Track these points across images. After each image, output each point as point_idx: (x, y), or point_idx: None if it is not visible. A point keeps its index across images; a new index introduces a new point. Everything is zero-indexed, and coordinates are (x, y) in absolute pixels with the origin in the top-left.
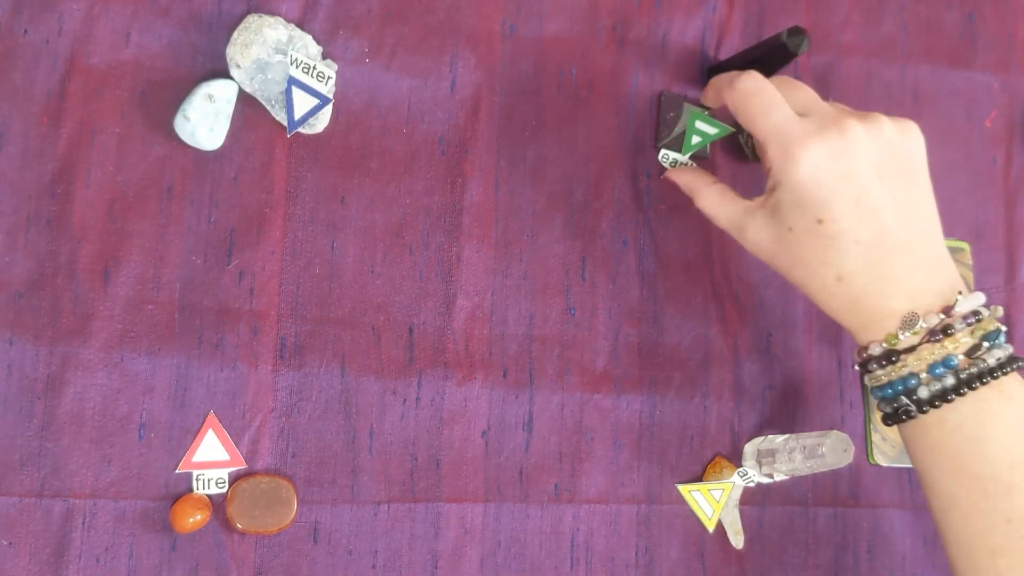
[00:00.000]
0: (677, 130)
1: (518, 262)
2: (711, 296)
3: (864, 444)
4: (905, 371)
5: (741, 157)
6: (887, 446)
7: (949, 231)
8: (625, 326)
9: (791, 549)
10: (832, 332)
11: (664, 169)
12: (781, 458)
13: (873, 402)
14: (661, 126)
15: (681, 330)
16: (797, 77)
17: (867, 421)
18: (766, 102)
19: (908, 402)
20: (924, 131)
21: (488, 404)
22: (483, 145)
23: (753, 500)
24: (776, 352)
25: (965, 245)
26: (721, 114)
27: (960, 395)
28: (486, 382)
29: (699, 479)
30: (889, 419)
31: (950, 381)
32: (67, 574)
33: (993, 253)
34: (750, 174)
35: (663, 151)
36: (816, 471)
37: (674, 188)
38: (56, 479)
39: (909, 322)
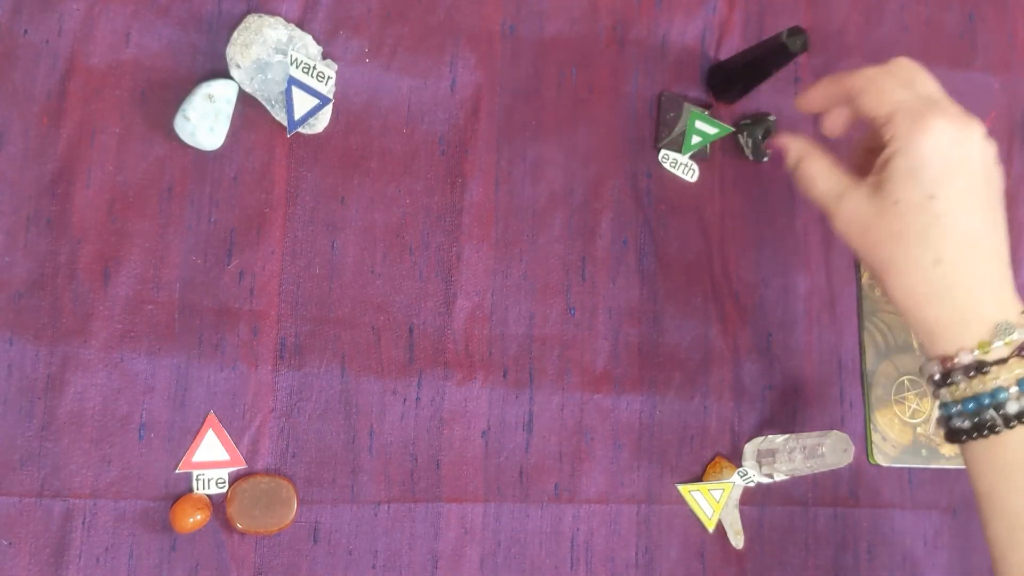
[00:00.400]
0: (677, 130)
1: (518, 262)
2: (711, 296)
3: (864, 444)
4: (994, 384)
5: (741, 157)
6: (887, 446)
7: None
8: (625, 326)
9: (791, 549)
10: (832, 332)
11: (661, 169)
12: (781, 458)
13: (873, 402)
14: (661, 126)
15: (681, 330)
16: (797, 78)
17: (867, 421)
18: (901, 79)
19: (996, 416)
20: None
21: (488, 404)
22: (483, 145)
23: (753, 500)
24: (776, 352)
25: None
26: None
27: None
28: (486, 382)
29: (699, 479)
30: (962, 435)
31: None
32: (67, 574)
33: None
34: (750, 174)
35: (663, 151)
36: (816, 471)
37: (674, 188)
38: (56, 479)
39: (1004, 331)
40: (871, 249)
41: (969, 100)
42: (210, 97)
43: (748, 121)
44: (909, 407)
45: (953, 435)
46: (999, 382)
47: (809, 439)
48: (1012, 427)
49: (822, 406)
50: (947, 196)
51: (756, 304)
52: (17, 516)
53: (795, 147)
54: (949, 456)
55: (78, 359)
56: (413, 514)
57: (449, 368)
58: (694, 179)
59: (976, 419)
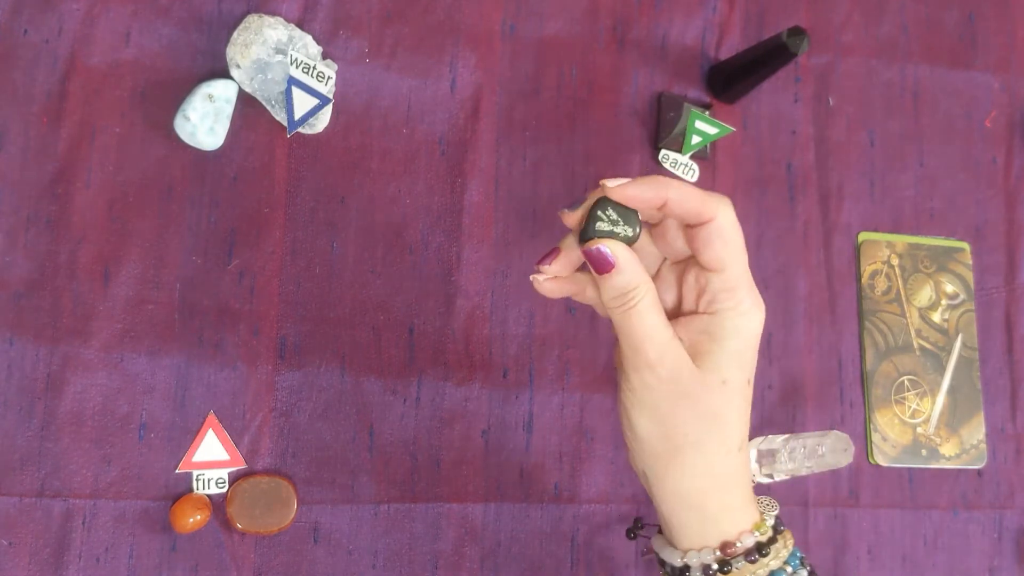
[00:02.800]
0: (677, 130)
1: (518, 262)
2: None
3: (864, 444)
4: (775, 564)
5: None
6: (887, 446)
7: (949, 231)
8: None
9: None
10: (832, 332)
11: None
12: (781, 458)
13: (873, 402)
14: (661, 126)
15: None
16: (797, 78)
17: (867, 421)
18: (740, 239)
19: None
20: (924, 131)
21: (488, 404)
22: (483, 145)
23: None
24: (776, 352)
25: (965, 245)
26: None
27: None
28: (486, 382)
29: None
30: None
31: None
32: (67, 574)
33: (993, 253)
34: (751, 174)
35: (663, 151)
36: (816, 471)
37: None
38: (56, 479)
39: (768, 506)
40: (679, 422)
41: (969, 100)
42: (210, 97)
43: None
44: (909, 407)
45: None
46: (775, 563)
47: (809, 439)
48: None
49: (822, 406)
50: (751, 384)
51: None
52: (17, 516)
53: (633, 267)
54: (949, 456)
55: (78, 359)
56: (413, 514)
57: (449, 368)
58: (694, 179)
59: None
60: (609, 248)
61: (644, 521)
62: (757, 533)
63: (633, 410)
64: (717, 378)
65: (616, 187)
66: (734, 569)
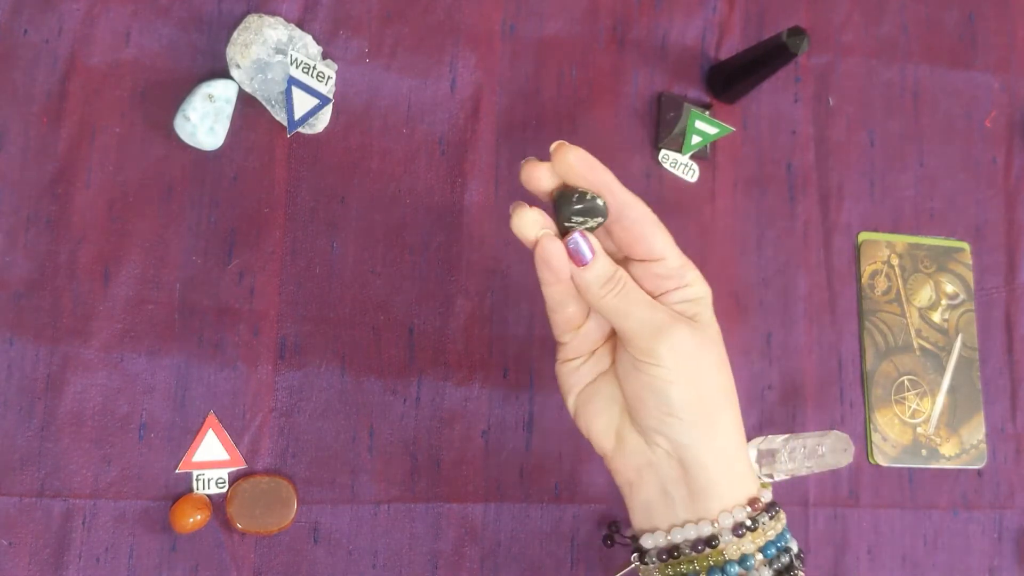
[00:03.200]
0: (677, 130)
1: (518, 262)
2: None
3: (864, 444)
4: (773, 533)
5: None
6: (887, 446)
7: (949, 231)
8: None
9: None
10: (832, 332)
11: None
12: (781, 458)
13: (873, 402)
14: (661, 126)
15: None
16: (797, 78)
17: (867, 421)
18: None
19: (793, 559)
20: (924, 131)
21: (488, 404)
22: (483, 145)
23: None
24: (776, 352)
25: (965, 245)
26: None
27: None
28: (486, 382)
29: None
30: None
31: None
32: (67, 574)
33: (993, 253)
34: (751, 174)
35: (663, 151)
36: (816, 471)
37: (674, 188)
38: (56, 479)
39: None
40: (705, 378)
41: (969, 100)
42: (210, 97)
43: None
44: (909, 407)
45: None
46: (783, 522)
47: (809, 439)
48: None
49: (822, 406)
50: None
51: (756, 304)
52: (17, 516)
53: (608, 261)
54: (949, 456)
55: (78, 359)
56: (413, 514)
57: (449, 368)
58: (694, 179)
59: (775, 566)
60: (584, 241)
61: (617, 524)
62: (767, 492)
63: (668, 386)
64: (710, 334)
65: (584, 164)
66: (760, 525)
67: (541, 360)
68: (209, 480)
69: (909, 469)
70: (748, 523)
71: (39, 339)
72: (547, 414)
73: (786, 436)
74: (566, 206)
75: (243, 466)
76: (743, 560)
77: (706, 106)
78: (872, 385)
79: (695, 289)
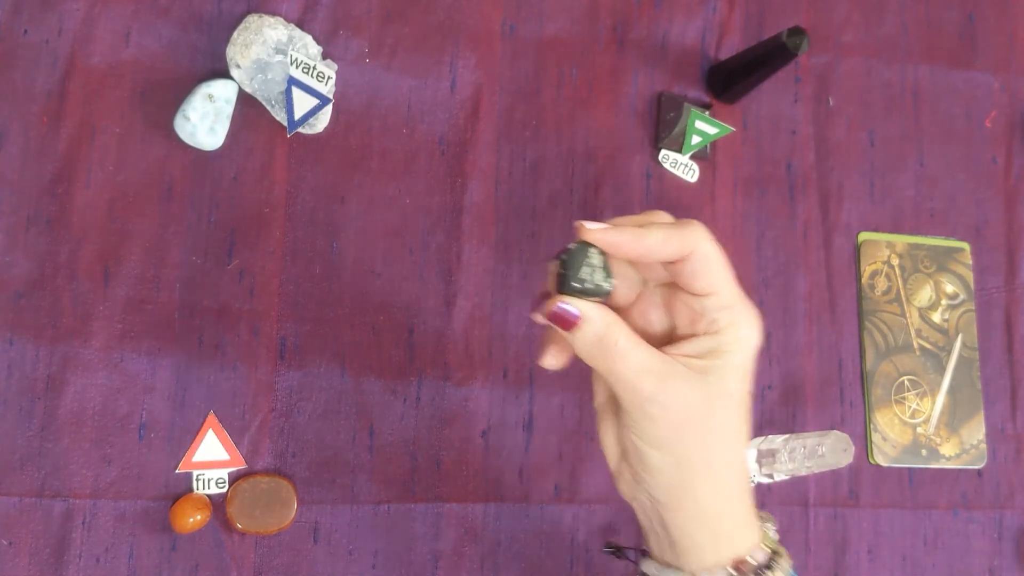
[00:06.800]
0: (677, 130)
1: (518, 262)
2: None
3: (864, 444)
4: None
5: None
6: (887, 446)
7: (949, 231)
8: None
9: (791, 549)
10: (832, 332)
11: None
12: (781, 458)
13: (873, 402)
14: (661, 126)
15: None
16: (797, 78)
17: (867, 421)
18: (724, 263)
19: None
20: (924, 131)
21: (488, 404)
22: (483, 145)
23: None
24: (776, 352)
25: (965, 245)
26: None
27: None
28: (486, 382)
29: None
30: None
31: None
32: (67, 574)
33: (993, 253)
34: (751, 174)
35: (663, 151)
36: (816, 471)
37: (674, 188)
38: (56, 479)
39: (765, 519)
40: (689, 447)
41: (969, 100)
42: (210, 97)
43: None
44: (909, 407)
45: None
46: (786, 570)
47: (809, 439)
48: None
49: (822, 406)
50: (751, 394)
51: (756, 304)
52: (17, 516)
53: (598, 313)
54: (949, 456)
55: (78, 359)
56: (413, 514)
57: (449, 368)
58: (694, 179)
59: None
60: (568, 304)
61: (617, 543)
62: (764, 546)
63: (643, 446)
64: (722, 391)
65: (594, 230)
66: None
67: None
68: (209, 480)
69: (909, 469)
70: None
71: (39, 339)
72: (547, 414)
73: (786, 436)
74: (569, 267)
75: (243, 466)
76: None
77: (706, 106)
78: (872, 385)
79: (725, 339)
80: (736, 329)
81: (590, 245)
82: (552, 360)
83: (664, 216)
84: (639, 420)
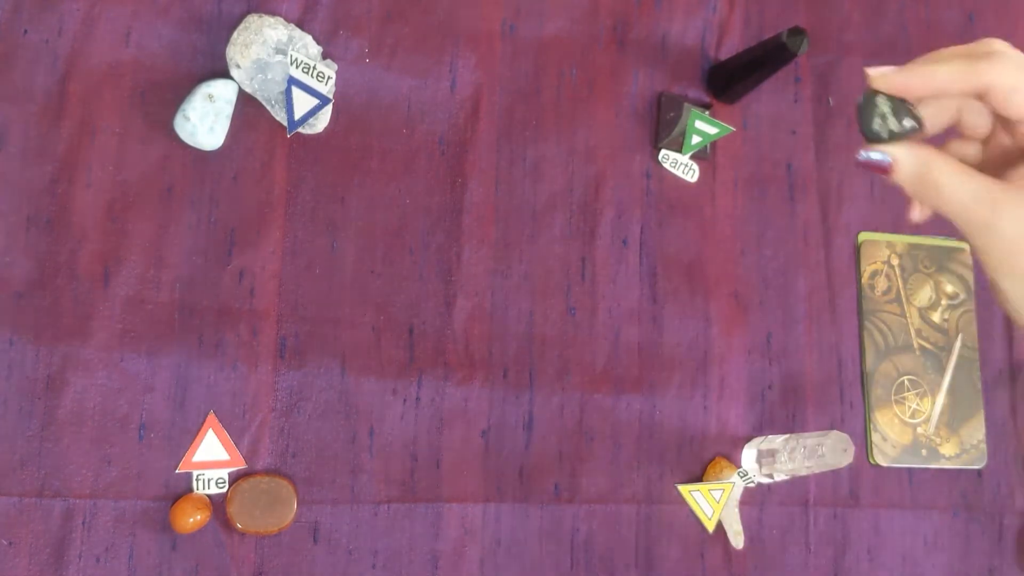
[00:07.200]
0: (677, 130)
1: (518, 262)
2: (711, 296)
3: (864, 444)
4: None
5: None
6: (887, 446)
7: (949, 231)
8: (625, 326)
9: (791, 549)
10: (832, 332)
11: (662, 167)
12: (781, 458)
13: (873, 402)
14: (661, 126)
15: (681, 330)
16: (797, 78)
17: (867, 421)
18: None
19: None
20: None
21: (488, 404)
22: (483, 145)
23: (753, 500)
24: (776, 352)
25: (965, 245)
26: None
27: None
28: (486, 382)
29: (699, 479)
30: None
31: None
32: (67, 574)
33: None
34: (751, 174)
35: (663, 151)
36: (816, 471)
37: (674, 188)
38: (56, 479)
39: None
40: None
41: None
42: (210, 97)
43: None
44: (909, 407)
45: None
46: None
47: (809, 439)
48: None
49: (822, 406)
50: None
51: (756, 304)
52: (17, 516)
53: (908, 154)
54: (949, 456)
55: (78, 359)
56: (413, 514)
57: (449, 368)
58: (694, 179)
59: None
60: (873, 152)
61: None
62: None
63: (996, 277)
64: None
65: (879, 76)
66: None
67: (541, 360)
68: (209, 480)
69: (909, 469)
70: None
71: (39, 339)
72: (547, 414)
73: (786, 436)
74: (866, 114)
75: (243, 466)
76: None
77: (706, 106)
78: (872, 385)
79: None
80: None
81: (877, 93)
82: (917, 214)
83: (959, 49)
84: (983, 251)
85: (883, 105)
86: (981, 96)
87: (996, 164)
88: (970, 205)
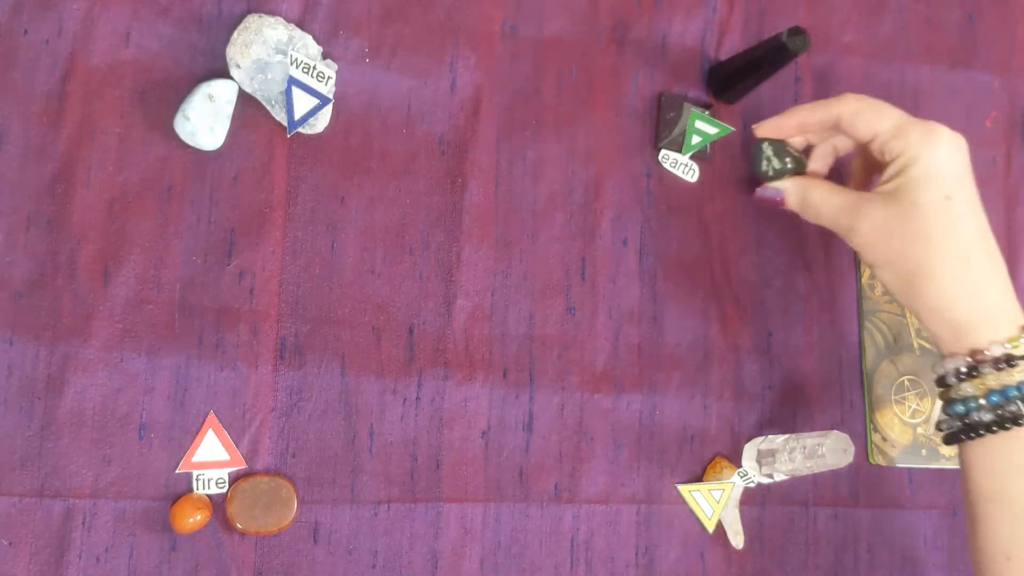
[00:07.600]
0: (677, 130)
1: (518, 262)
2: (711, 296)
3: (864, 444)
4: (1021, 377)
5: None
6: (887, 446)
7: None
8: (625, 326)
9: (791, 549)
10: (832, 332)
11: (660, 168)
12: (781, 458)
13: (873, 402)
14: (661, 126)
15: (681, 330)
16: (797, 77)
17: (867, 421)
18: (883, 105)
19: (1022, 407)
20: None
21: (488, 404)
22: (483, 145)
23: (753, 500)
24: (776, 352)
25: None
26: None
27: None
28: (486, 382)
29: (699, 479)
30: (979, 430)
31: None
32: (67, 574)
33: None
34: (751, 174)
35: (663, 151)
36: (816, 471)
37: (674, 188)
38: (56, 479)
39: None
40: (898, 256)
41: (969, 100)
42: (210, 97)
43: None
44: (909, 407)
45: (969, 429)
46: (1019, 376)
47: (809, 439)
48: None
49: (822, 406)
50: (961, 198)
51: (756, 304)
52: (17, 516)
53: (791, 185)
54: (949, 456)
55: (78, 359)
56: (413, 514)
57: (449, 368)
58: (694, 179)
59: (999, 412)
60: (765, 189)
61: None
62: (1008, 345)
63: (874, 270)
64: (909, 203)
65: (760, 126)
66: (982, 374)
67: (541, 360)
68: (209, 480)
69: (909, 469)
70: (963, 370)
71: (39, 339)
72: (547, 414)
73: (786, 436)
74: (756, 158)
75: (243, 466)
76: (964, 401)
77: (706, 106)
78: (872, 385)
79: (902, 160)
80: (909, 149)
81: (763, 140)
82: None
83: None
84: (858, 250)
85: (767, 150)
86: (836, 127)
87: (870, 170)
88: (839, 215)
